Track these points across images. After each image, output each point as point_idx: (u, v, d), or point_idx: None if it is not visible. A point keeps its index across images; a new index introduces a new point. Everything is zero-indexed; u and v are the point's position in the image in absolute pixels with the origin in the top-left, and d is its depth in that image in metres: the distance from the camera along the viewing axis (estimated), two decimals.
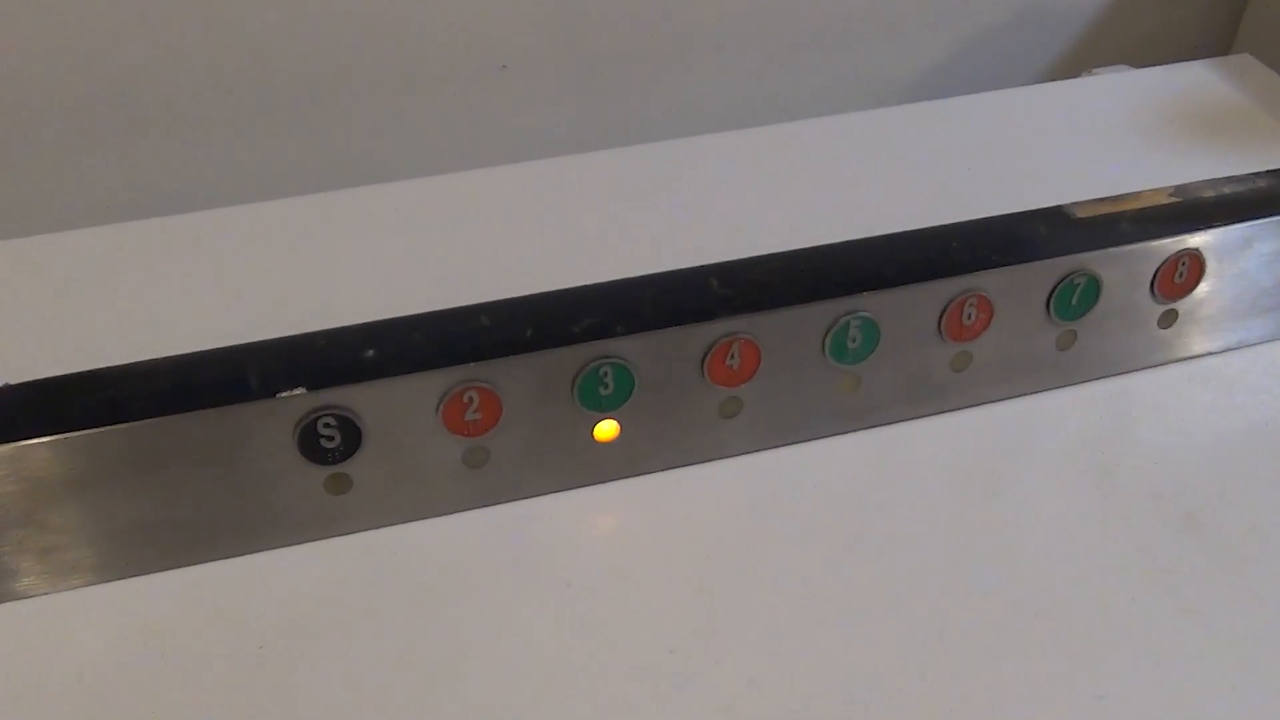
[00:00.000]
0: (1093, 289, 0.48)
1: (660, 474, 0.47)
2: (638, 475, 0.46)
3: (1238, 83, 0.68)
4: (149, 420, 0.40)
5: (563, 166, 0.60)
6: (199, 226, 0.56)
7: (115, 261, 0.54)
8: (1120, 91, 0.68)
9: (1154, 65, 0.70)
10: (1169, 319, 0.51)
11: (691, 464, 0.47)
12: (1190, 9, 0.79)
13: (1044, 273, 0.48)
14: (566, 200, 0.58)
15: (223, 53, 0.61)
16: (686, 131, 0.63)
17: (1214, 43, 0.80)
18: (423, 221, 0.57)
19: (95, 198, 0.64)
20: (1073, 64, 0.78)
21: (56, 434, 0.40)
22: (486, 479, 0.45)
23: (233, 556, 0.44)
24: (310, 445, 0.42)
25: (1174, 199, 0.51)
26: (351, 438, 0.42)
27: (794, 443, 0.48)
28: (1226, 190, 0.51)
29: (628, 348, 0.44)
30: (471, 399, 0.43)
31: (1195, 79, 0.69)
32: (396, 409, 0.42)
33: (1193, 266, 0.50)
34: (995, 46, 0.76)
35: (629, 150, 0.61)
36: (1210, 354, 0.52)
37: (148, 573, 0.43)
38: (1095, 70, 0.71)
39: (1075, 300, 0.48)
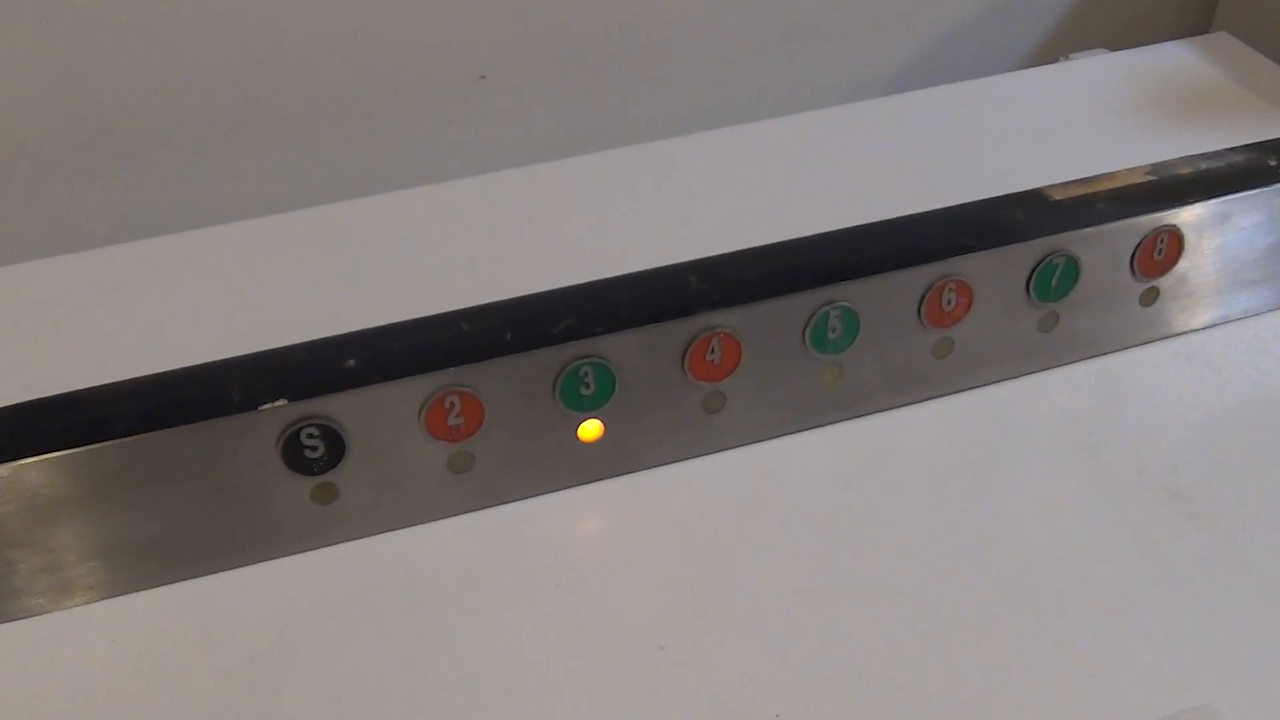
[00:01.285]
0: (1072, 270, 0.48)
1: (646, 472, 0.47)
2: (623, 474, 0.47)
3: (1216, 61, 0.68)
4: (132, 438, 0.41)
5: (539, 171, 0.61)
6: (179, 247, 0.57)
7: (94, 286, 0.54)
8: (1100, 75, 0.68)
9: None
10: (1150, 297, 0.51)
11: (677, 460, 0.47)
12: None
13: (1022, 255, 0.48)
14: (544, 205, 0.58)
15: (195, 71, 0.61)
16: (667, 133, 0.63)
17: (1191, 24, 0.80)
18: (402, 233, 0.57)
19: (67, 224, 0.64)
20: (1051, 50, 0.78)
21: (43, 454, 0.40)
22: (472, 483, 0.45)
23: (224, 570, 0.44)
24: (294, 456, 0.42)
25: (1150, 177, 0.51)
26: (335, 447, 0.42)
27: (779, 435, 0.48)
28: (1203, 166, 0.51)
29: (608, 347, 0.44)
30: (453, 404, 0.43)
31: (1174, 59, 0.69)
32: (378, 417, 0.43)
33: (1171, 243, 0.50)
34: (974, 36, 0.76)
35: (604, 154, 0.61)
36: (1193, 330, 0.52)
37: (140, 589, 0.43)
38: (1073, 55, 0.71)
39: (1055, 281, 0.48)
